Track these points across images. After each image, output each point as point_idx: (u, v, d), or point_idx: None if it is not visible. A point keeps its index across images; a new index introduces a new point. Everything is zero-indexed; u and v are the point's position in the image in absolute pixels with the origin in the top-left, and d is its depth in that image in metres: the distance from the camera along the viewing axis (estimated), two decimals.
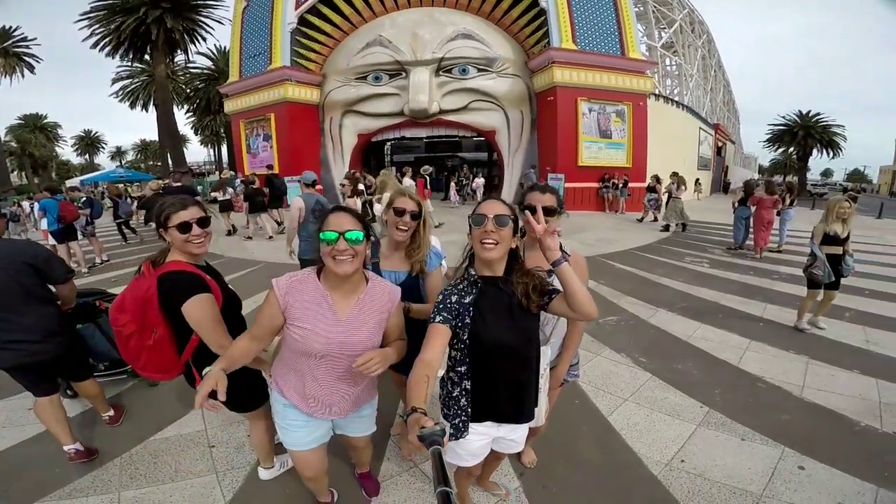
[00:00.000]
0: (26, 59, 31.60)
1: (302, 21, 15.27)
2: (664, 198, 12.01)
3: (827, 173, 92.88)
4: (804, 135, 36.59)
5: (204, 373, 1.43)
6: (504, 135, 15.28)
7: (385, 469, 2.48)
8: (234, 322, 1.90)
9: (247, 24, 16.66)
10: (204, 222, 1.87)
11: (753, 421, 2.88)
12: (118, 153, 65.38)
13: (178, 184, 8.54)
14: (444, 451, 0.98)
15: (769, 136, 39.76)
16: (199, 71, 31.49)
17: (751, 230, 8.81)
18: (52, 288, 2.50)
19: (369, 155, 18.85)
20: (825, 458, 2.51)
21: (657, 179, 12.53)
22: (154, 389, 3.36)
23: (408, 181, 9.85)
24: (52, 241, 7.25)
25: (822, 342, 4.25)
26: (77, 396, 3.10)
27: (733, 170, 34.01)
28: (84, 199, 8.97)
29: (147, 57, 23.77)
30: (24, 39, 31.35)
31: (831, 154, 38.12)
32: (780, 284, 6.35)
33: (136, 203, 13.84)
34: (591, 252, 8.30)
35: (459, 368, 1.56)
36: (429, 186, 12.49)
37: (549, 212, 1.77)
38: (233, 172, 17.60)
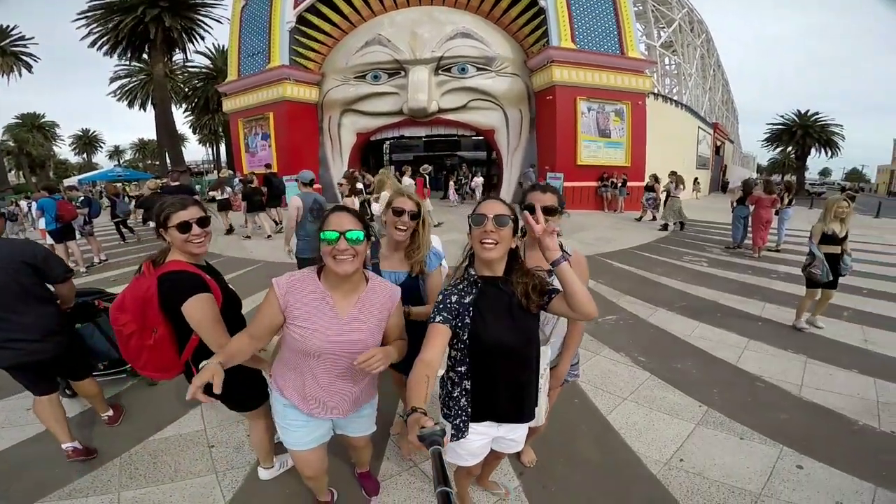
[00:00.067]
0: (24, 58, 31.51)
1: (301, 20, 15.25)
2: (662, 197, 12.03)
3: (825, 172, 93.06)
4: (802, 134, 36.66)
5: (201, 366, 1.42)
6: (503, 134, 15.28)
7: (385, 468, 2.48)
8: (234, 322, 1.90)
9: (245, 22, 16.63)
10: (204, 222, 1.87)
11: (752, 420, 2.89)
12: (116, 152, 65.28)
13: (176, 183, 8.54)
14: (444, 450, 0.98)
15: (768, 135, 39.85)
16: (197, 70, 31.43)
17: (749, 229, 8.83)
18: (51, 287, 2.50)
19: (368, 154, 18.84)
20: (823, 457, 2.52)
21: (655, 179, 12.55)
22: (153, 389, 3.35)
23: (407, 180, 9.84)
24: (49, 240, 7.24)
25: (820, 341, 4.26)
26: (76, 396, 3.10)
27: (732, 169, 34.02)
28: (82, 198, 8.96)
29: (145, 56, 23.72)
30: (22, 38, 31.26)
31: (830, 153, 38.24)
32: (778, 283, 6.37)
33: (133, 202, 13.83)
34: (589, 251, 8.31)
35: (459, 368, 1.56)
36: (428, 185, 12.48)
37: (549, 211, 1.77)
38: (231, 171, 17.57)
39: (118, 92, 32.11)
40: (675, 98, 21.19)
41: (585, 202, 14.56)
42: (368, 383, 1.80)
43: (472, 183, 17.68)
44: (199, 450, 2.63)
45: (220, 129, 33.18)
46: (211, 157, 44.16)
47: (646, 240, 9.91)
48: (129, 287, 1.82)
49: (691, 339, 4.34)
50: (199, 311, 1.71)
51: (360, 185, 8.54)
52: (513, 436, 1.71)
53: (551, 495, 2.28)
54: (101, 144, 60.42)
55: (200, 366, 1.42)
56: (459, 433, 1.58)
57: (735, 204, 9.22)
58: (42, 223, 7.30)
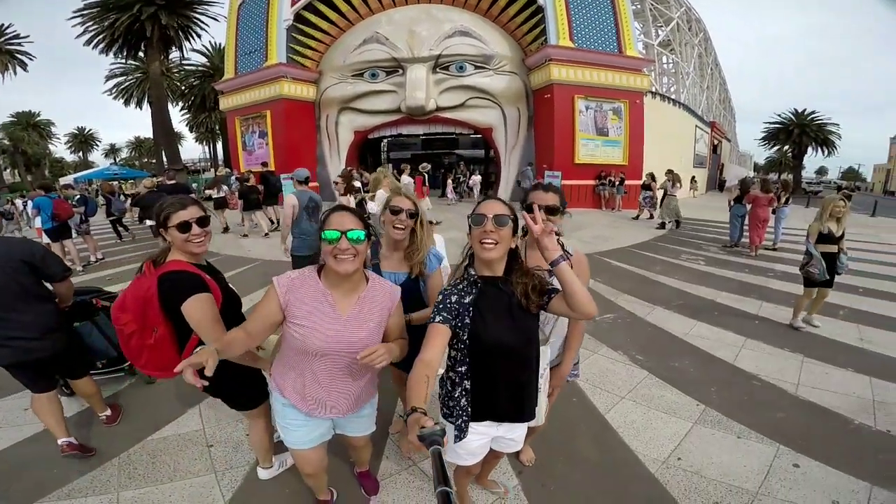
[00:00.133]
0: (18, 56, 31.31)
1: (298, 18, 15.18)
2: (659, 195, 12.05)
3: (822, 171, 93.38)
4: (799, 133, 36.79)
5: (198, 349, 1.39)
6: (501, 132, 15.28)
7: (384, 468, 2.48)
8: (234, 321, 1.89)
9: (242, 20, 16.55)
10: (203, 222, 1.87)
11: (749, 419, 2.91)
12: (112, 150, 64.88)
13: (172, 181, 8.47)
14: (443, 450, 0.99)
15: (765, 134, 39.97)
16: (194, 68, 31.23)
17: (746, 228, 8.85)
18: (49, 286, 2.50)
19: (366, 152, 18.79)
20: (820, 455, 2.53)
21: (652, 177, 12.57)
22: (151, 389, 3.35)
23: (406, 178, 9.81)
24: (46, 239, 7.21)
25: (816, 340, 4.29)
26: (74, 395, 3.09)
27: (729, 167, 34.09)
28: (78, 196, 8.91)
29: (141, 54, 23.57)
30: (17, 37, 31.06)
31: (826, 152, 38.37)
32: (775, 282, 6.39)
33: (129, 200, 13.77)
34: (587, 249, 8.32)
35: (459, 368, 1.56)
36: (427, 184, 12.48)
37: (551, 211, 1.77)
38: (228, 169, 17.53)
39: (114, 90, 31.91)
40: (673, 97, 21.20)
41: (583, 201, 14.57)
42: (368, 383, 1.80)
43: (470, 181, 17.68)
44: (198, 449, 2.63)
45: (217, 127, 33.06)
46: (208, 156, 43.98)
47: (643, 238, 9.93)
48: (131, 286, 1.83)
49: (689, 337, 4.36)
50: (198, 310, 1.71)
51: (357, 184, 8.54)
52: (512, 435, 1.71)
53: (550, 494, 2.29)
54: (97, 143, 60.18)
55: (197, 349, 1.39)
56: (461, 433, 1.58)
57: (732, 203, 9.26)
58: (38, 222, 7.27)
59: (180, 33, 22.54)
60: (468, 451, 1.67)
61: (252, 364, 1.92)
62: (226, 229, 10.61)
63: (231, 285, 2.09)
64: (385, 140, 20.21)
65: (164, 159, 24.63)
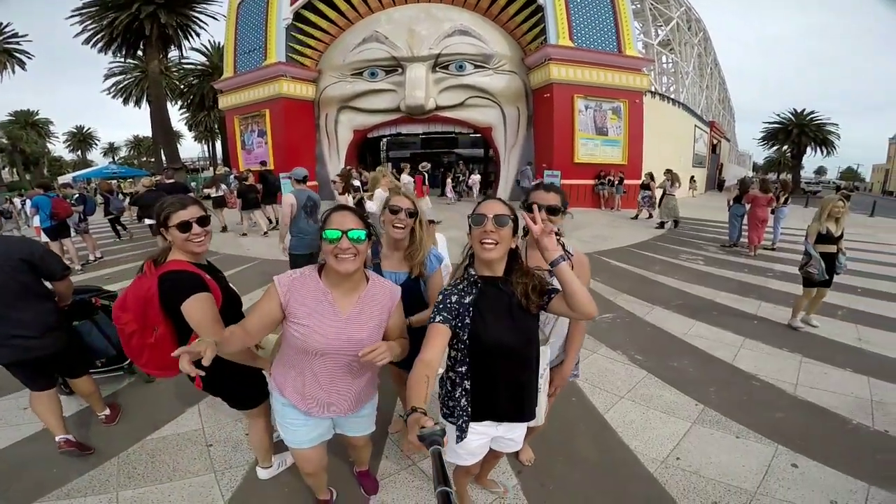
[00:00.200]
0: (17, 55, 31.23)
1: (297, 17, 15.16)
2: (658, 194, 12.07)
3: (820, 171, 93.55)
4: (798, 133, 36.86)
5: (196, 341, 1.39)
6: (500, 131, 15.28)
7: (384, 467, 2.48)
8: (234, 321, 1.88)
9: (241, 19, 16.53)
10: (204, 221, 1.88)
11: (747, 419, 2.91)
12: (111, 149, 64.68)
13: (171, 180, 8.45)
14: (443, 450, 0.99)
15: (764, 133, 40.02)
16: (192, 67, 31.17)
17: (745, 228, 8.87)
18: (48, 284, 2.51)
19: (365, 151, 18.79)
20: (818, 455, 2.54)
21: (651, 177, 12.58)
22: (150, 388, 3.35)
23: (406, 178, 9.82)
24: (44, 238, 7.19)
25: (815, 340, 4.30)
26: (73, 394, 3.09)
27: (728, 167, 34.16)
28: (77, 195, 8.90)
29: (140, 53, 23.52)
30: (15, 36, 31.00)
31: (825, 152, 38.44)
32: (773, 282, 6.40)
33: (127, 199, 13.76)
34: (586, 249, 8.32)
35: (460, 368, 1.57)
36: (427, 183, 12.48)
37: (552, 211, 1.77)
38: (227, 168, 17.51)
39: (112, 89, 31.86)
40: (673, 96, 21.21)
41: (582, 200, 14.58)
42: (368, 383, 1.81)
43: (470, 180, 17.68)
44: (198, 449, 2.63)
45: (216, 126, 32.97)
46: (207, 154, 43.90)
47: (642, 238, 9.94)
48: (132, 286, 1.83)
49: (688, 337, 4.36)
50: (198, 310, 1.71)
51: (356, 183, 8.53)
52: (512, 435, 1.71)
53: (549, 493, 2.29)
54: (96, 141, 60.04)
55: (196, 341, 1.37)
56: (462, 434, 1.59)
57: (731, 202, 9.27)
58: (37, 221, 7.26)
59: (179, 32, 22.47)
60: (468, 451, 1.67)
61: (251, 363, 1.93)
62: (224, 228, 10.60)
63: (231, 284, 2.09)
64: (384, 139, 20.22)
65: (163, 158, 24.58)
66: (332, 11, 15.16)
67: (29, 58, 31.77)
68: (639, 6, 21.60)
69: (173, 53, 25.18)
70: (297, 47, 15.41)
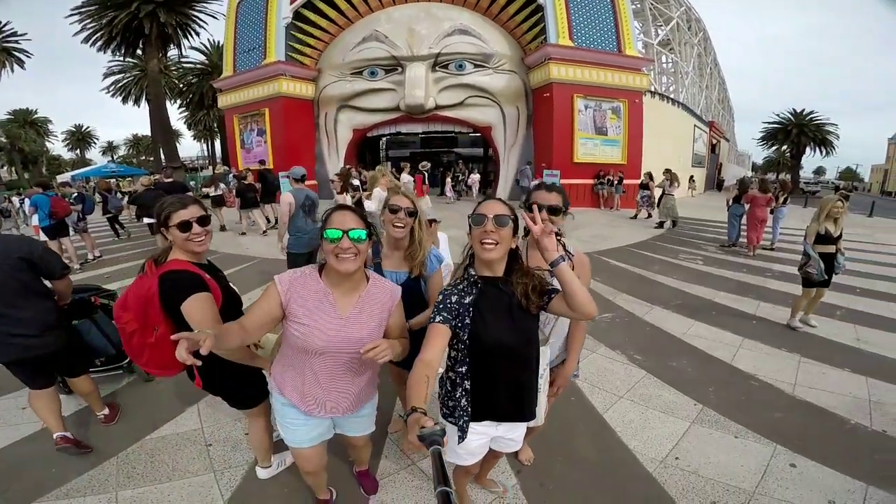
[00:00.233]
0: (16, 54, 31.15)
1: (297, 16, 15.16)
2: (657, 194, 12.08)
3: (819, 171, 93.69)
4: (798, 133, 36.87)
5: (199, 331, 1.36)
6: (500, 131, 15.28)
7: (383, 467, 2.48)
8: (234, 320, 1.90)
9: (241, 18, 16.52)
10: (204, 221, 1.88)
11: (746, 419, 2.92)
12: (110, 148, 64.55)
13: (170, 179, 8.43)
14: (443, 450, 0.99)
15: (763, 133, 40.04)
16: (192, 66, 31.13)
17: (744, 227, 8.88)
18: (48, 283, 2.51)
19: (365, 150, 18.79)
20: (816, 455, 2.54)
21: (650, 177, 12.59)
22: (149, 388, 3.34)
23: (406, 177, 9.81)
24: (43, 237, 7.17)
25: (813, 340, 4.30)
26: (71, 393, 3.09)
27: (727, 167, 34.19)
28: (75, 194, 8.89)
29: (139, 51, 23.46)
30: (14, 34, 30.91)
31: (824, 152, 38.48)
32: (772, 282, 6.41)
33: (126, 198, 13.74)
34: (586, 248, 8.31)
35: (460, 369, 1.57)
36: (427, 182, 12.48)
37: (553, 211, 1.77)
38: (226, 167, 17.49)
39: (112, 88, 31.77)
40: (672, 96, 21.22)
41: (582, 200, 14.59)
42: (367, 383, 1.81)
43: (469, 180, 17.68)
44: (197, 448, 2.63)
45: (215, 125, 32.91)
46: (206, 153, 43.83)
47: (641, 237, 9.95)
48: (133, 286, 1.84)
49: (687, 337, 4.37)
50: (198, 310, 1.71)
51: (356, 182, 8.53)
52: (511, 435, 1.72)
53: (548, 493, 2.30)
54: (95, 140, 59.91)
55: (197, 332, 1.35)
56: (465, 434, 1.59)
57: (731, 202, 9.28)
58: (35, 220, 7.24)
59: (179, 31, 22.42)
60: (468, 451, 1.68)
61: (249, 362, 1.93)
62: (223, 227, 10.59)
63: (232, 284, 2.09)
64: (384, 138, 20.22)
65: (162, 157, 24.52)
66: (332, 10, 15.15)
67: (28, 56, 31.73)
68: (639, 6, 21.59)
69: (173, 52, 25.13)
70: (297, 46, 15.40)
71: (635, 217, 12.79)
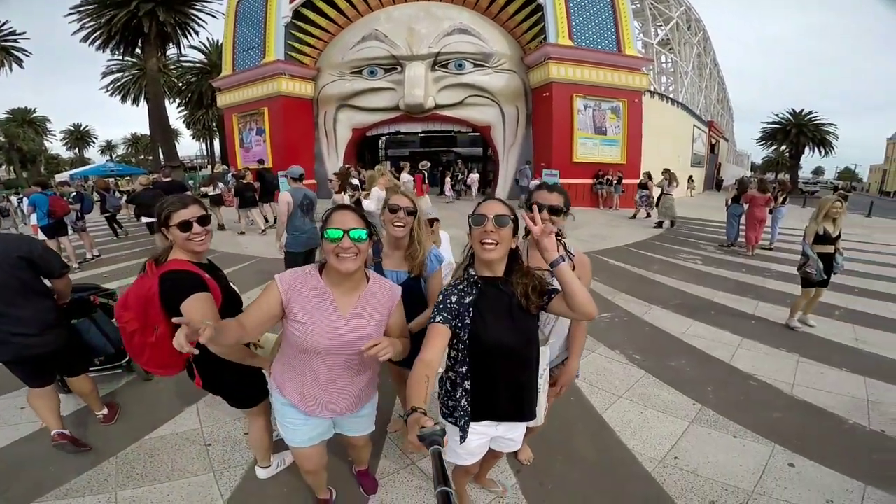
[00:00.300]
0: (15, 53, 31.07)
1: (296, 15, 15.15)
2: (656, 193, 12.09)
3: (818, 171, 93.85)
4: (797, 133, 36.91)
5: (200, 321, 1.34)
6: (499, 130, 15.29)
7: (383, 466, 2.49)
8: None
9: (240, 17, 16.51)
10: (204, 220, 1.88)
11: (745, 418, 2.92)
12: (109, 147, 64.43)
13: (168, 178, 8.42)
14: (443, 450, 0.99)
15: (762, 133, 40.08)
16: (191, 65, 31.10)
17: (743, 227, 8.89)
18: (47, 282, 2.51)
19: (364, 149, 18.79)
20: (814, 455, 2.55)
21: (649, 176, 12.61)
22: (149, 387, 3.34)
23: (406, 176, 9.82)
24: (42, 236, 7.16)
25: (812, 340, 4.31)
26: (70, 392, 3.09)
27: (726, 167, 34.24)
28: (74, 193, 8.86)
29: (138, 51, 23.41)
30: (13, 33, 30.82)
31: (823, 152, 38.53)
32: (771, 282, 6.42)
33: (124, 197, 13.72)
34: (585, 248, 8.30)
35: (460, 369, 1.57)
36: (426, 181, 12.48)
37: (554, 211, 1.77)
38: (225, 167, 17.47)
39: (110, 87, 31.71)
40: (672, 96, 21.22)
41: (581, 199, 14.60)
42: (367, 383, 1.81)
43: (468, 179, 17.68)
44: (196, 448, 2.63)
45: (214, 124, 32.88)
46: (205, 152, 43.78)
47: (640, 237, 9.96)
48: (133, 285, 1.84)
49: (686, 337, 4.37)
50: (197, 310, 1.71)
51: (355, 181, 8.53)
52: (511, 435, 1.72)
53: (548, 493, 2.30)
54: (94, 139, 59.83)
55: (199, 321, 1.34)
56: (465, 434, 1.59)
57: (730, 202, 9.29)
58: (34, 219, 7.22)
59: (178, 30, 22.37)
60: (468, 450, 1.68)
61: (248, 362, 1.93)
62: (221, 226, 10.57)
63: (232, 283, 2.09)
64: (383, 138, 20.22)
65: (161, 156, 24.46)
66: (332, 10, 15.14)
67: (27, 55, 31.62)
68: (639, 6, 21.60)
69: (172, 51, 25.07)
70: (297, 45, 15.39)
71: (634, 217, 12.80)
